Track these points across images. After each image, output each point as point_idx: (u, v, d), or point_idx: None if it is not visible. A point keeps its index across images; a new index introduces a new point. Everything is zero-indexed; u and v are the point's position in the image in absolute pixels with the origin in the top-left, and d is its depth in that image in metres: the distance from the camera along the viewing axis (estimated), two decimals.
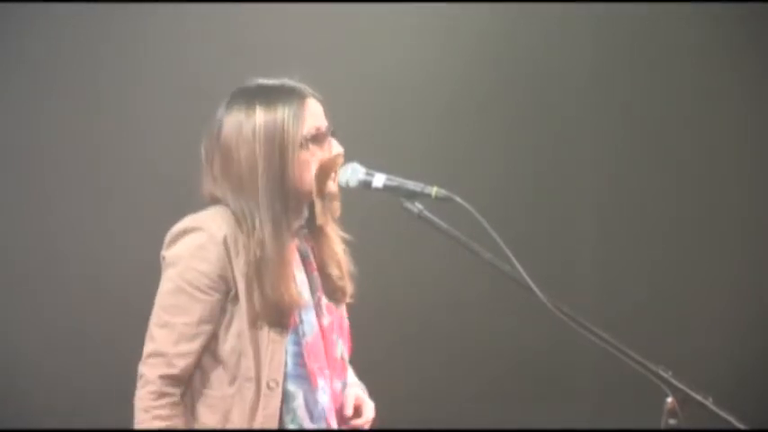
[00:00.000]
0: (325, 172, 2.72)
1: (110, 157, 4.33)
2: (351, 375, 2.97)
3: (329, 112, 2.79)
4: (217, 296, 2.67)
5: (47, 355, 4.20)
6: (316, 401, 2.75)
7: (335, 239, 2.84)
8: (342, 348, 2.86)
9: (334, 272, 2.84)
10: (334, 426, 2.79)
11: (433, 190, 2.60)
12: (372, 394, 3.01)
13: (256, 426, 2.68)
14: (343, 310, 2.90)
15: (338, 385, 2.84)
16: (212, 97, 2.84)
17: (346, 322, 2.92)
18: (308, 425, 2.74)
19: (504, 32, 4.94)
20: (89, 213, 4.28)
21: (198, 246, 2.66)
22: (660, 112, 5.07)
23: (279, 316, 2.69)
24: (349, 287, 2.86)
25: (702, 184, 5.05)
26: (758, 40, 4.92)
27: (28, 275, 4.22)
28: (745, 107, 4.99)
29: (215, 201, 2.75)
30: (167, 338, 2.65)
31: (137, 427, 2.65)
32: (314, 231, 2.83)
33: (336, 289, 2.85)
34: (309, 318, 2.77)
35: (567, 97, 5.06)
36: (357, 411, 2.89)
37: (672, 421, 2.36)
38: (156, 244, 2.83)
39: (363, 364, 3.04)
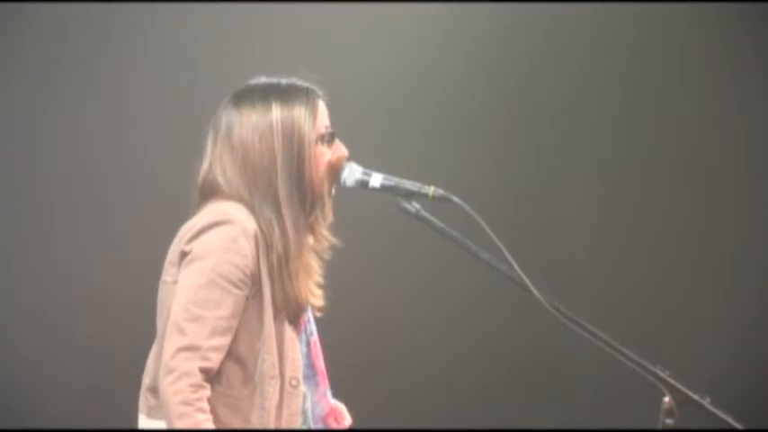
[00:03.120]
0: (334, 171, 2.72)
1: (108, 158, 4.33)
2: None
3: (338, 112, 2.80)
4: (246, 291, 2.61)
5: (46, 356, 4.20)
6: (318, 402, 2.76)
7: (319, 249, 2.80)
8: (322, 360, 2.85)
9: (312, 280, 2.82)
10: (334, 425, 2.79)
11: (431, 190, 2.60)
12: (371, 394, 3.01)
13: (282, 424, 2.65)
14: None
15: (329, 394, 2.85)
16: (211, 98, 2.84)
17: None
18: (311, 426, 2.75)
19: (502, 32, 4.94)
20: (88, 214, 4.28)
21: (231, 239, 2.60)
22: (660, 112, 5.07)
23: (296, 312, 2.68)
24: (321, 299, 2.78)
25: (702, 183, 5.05)
26: (758, 40, 4.92)
27: (26, 276, 4.22)
28: (745, 106, 4.99)
29: (212, 195, 2.70)
30: (200, 332, 2.56)
31: (178, 420, 2.54)
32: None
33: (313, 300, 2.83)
34: (312, 318, 2.77)
35: (565, 97, 5.06)
36: (342, 415, 2.89)
37: (669, 421, 2.36)
38: (155, 244, 2.82)
39: (361, 364, 3.04)
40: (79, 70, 4.31)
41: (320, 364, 2.77)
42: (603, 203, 5.09)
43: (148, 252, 2.92)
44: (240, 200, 2.66)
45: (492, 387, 4.89)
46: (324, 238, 2.77)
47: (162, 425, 2.63)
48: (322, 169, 2.70)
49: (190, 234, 2.64)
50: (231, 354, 2.63)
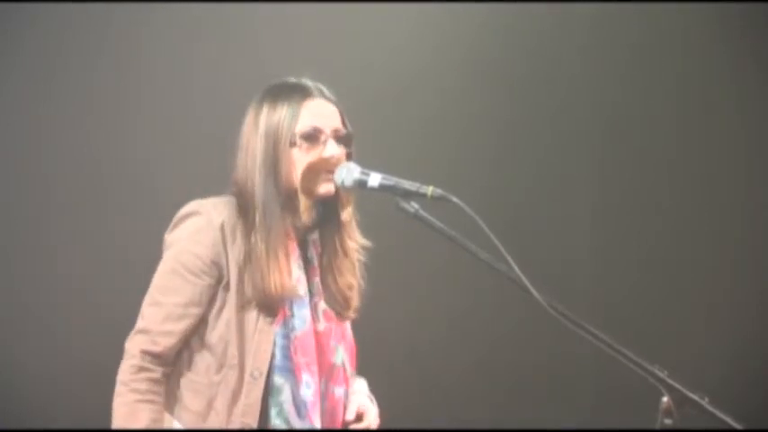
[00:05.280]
0: (312, 171, 2.75)
1: (109, 158, 4.33)
2: (359, 384, 3.00)
3: (348, 116, 2.84)
4: (208, 281, 2.73)
5: (45, 356, 4.20)
6: (304, 396, 2.77)
7: (347, 250, 2.85)
8: (343, 356, 2.86)
9: (337, 281, 2.85)
10: (317, 423, 2.79)
11: (429, 189, 2.60)
12: (370, 395, 3.02)
13: (236, 413, 2.72)
14: (346, 323, 2.92)
15: (339, 391, 2.85)
16: (210, 98, 2.85)
17: (350, 335, 2.94)
18: (293, 419, 2.76)
19: (501, 33, 4.95)
20: (88, 214, 4.28)
21: (196, 229, 2.74)
22: (659, 112, 5.07)
23: (267, 305, 2.73)
24: (352, 300, 2.87)
25: (702, 183, 5.05)
26: (758, 41, 4.92)
27: (26, 276, 4.22)
28: (745, 106, 4.99)
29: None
30: (155, 317, 2.72)
31: (115, 399, 2.73)
32: (325, 238, 2.84)
33: (337, 299, 2.86)
34: (302, 313, 2.79)
35: (564, 97, 5.06)
36: (359, 417, 2.92)
37: (667, 421, 2.35)
38: (154, 243, 2.85)
39: (360, 364, 3.04)
40: (79, 70, 4.31)
41: (306, 359, 2.77)
42: (603, 204, 5.09)
43: (147, 251, 2.93)
44: (238, 194, 2.77)
45: (492, 387, 4.89)
46: (351, 238, 2.84)
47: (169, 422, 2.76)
48: (298, 169, 2.74)
49: (170, 226, 2.80)
50: (202, 342, 2.75)
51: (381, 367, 4.54)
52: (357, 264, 2.88)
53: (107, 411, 2.79)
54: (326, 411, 2.83)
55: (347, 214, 2.83)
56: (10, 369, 4.18)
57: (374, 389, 3.04)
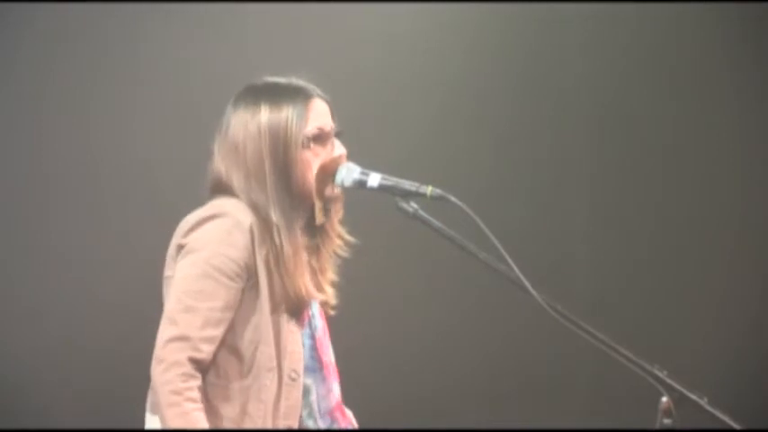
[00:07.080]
0: (325, 172, 2.72)
1: (108, 158, 4.33)
2: None
3: (336, 112, 2.80)
4: (241, 284, 2.65)
5: (46, 356, 4.20)
6: (325, 396, 2.76)
7: (330, 247, 2.84)
8: (332, 353, 2.87)
9: (323, 278, 2.84)
10: (341, 419, 2.80)
11: (428, 189, 2.59)
12: (369, 394, 3.02)
13: (278, 416, 2.67)
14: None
15: (337, 388, 2.85)
16: (210, 98, 2.84)
17: None
18: (319, 419, 2.75)
19: (500, 32, 4.95)
20: (87, 214, 4.28)
21: (226, 231, 2.64)
22: (659, 112, 5.07)
23: (297, 306, 2.69)
24: (333, 297, 2.84)
25: (702, 183, 5.05)
26: (758, 40, 4.92)
27: (27, 276, 4.22)
28: (744, 106, 4.99)
29: (219, 193, 2.73)
30: (192, 323, 2.59)
31: (168, 410, 2.56)
32: (310, 236, 2.83)
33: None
34: (317, 313, 2.79)
35: (563, 97, 5.05)
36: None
37: (667, 421, 2.35)
38: (153, 245, 2.84)
39: (359, 364, 3.04)
40: (79, 70, 4.31)
41: (326, 358, 2.78)
42: (602, 204, 5.09)
43: (147, 253, 2.93)
44: (240, 197, 2.69)
45: (492, 387, 4.89)
46: (337, 235, 2.80)
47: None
48: (311, 170, 2.71)
49: (186, 227, 2.68)
50: (229, 346, 2.66)
51: (381, 367, 4.56)
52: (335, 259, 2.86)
53: (107, 411, 2.79)
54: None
55: (339, 212, 2.81)
56: (9, 369, 4.19)
57: (374, 388, 3.04)
